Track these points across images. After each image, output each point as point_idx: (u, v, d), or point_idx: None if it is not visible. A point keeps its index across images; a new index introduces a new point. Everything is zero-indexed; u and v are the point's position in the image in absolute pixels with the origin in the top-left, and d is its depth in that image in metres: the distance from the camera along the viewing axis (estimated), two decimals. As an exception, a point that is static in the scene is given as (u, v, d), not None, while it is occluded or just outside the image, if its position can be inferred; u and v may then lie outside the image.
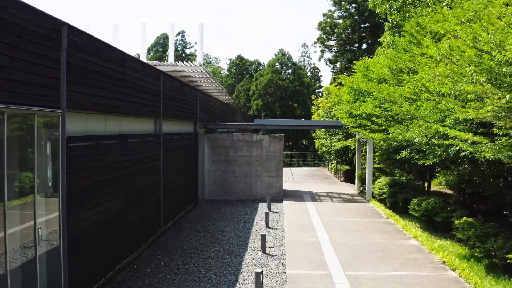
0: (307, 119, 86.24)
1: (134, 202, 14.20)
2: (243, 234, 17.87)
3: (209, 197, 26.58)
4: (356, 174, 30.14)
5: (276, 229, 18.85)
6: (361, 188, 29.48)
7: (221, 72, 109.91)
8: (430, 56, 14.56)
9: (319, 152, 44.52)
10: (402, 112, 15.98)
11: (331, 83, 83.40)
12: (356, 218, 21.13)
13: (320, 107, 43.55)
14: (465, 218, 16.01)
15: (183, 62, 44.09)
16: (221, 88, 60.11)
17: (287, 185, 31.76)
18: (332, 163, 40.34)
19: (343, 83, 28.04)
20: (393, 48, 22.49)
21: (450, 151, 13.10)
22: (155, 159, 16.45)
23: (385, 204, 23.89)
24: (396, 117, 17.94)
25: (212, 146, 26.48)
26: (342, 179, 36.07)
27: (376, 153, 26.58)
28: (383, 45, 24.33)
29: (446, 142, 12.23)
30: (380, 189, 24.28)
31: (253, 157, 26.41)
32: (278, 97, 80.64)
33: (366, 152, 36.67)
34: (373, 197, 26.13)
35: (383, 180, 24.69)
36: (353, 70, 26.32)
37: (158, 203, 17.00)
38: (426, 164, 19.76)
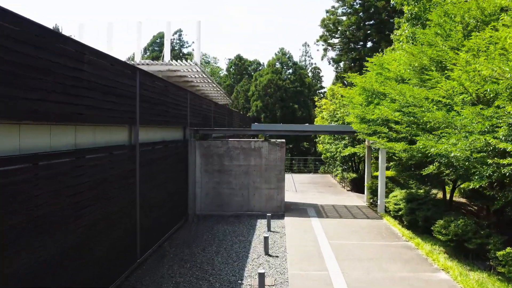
0: (308, 120, 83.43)
1: (97, 233, 11.18)
2: (237, 265, 14.84)
3: (201, 212, 23.58)
4: (365, 184, 27.13)
5: (277, 257, 15.82)
6: (371, 200, 26.49)
7: (220, 72, 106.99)
8: (468, 49, 11.52)
9: (322, 157, 41.51)
10: (436, 118, 12.97)
11: (333, 83, 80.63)
12: (370, 241, 18.12)
13: (324, 109, 40.53)
14: (508, 249, 13.04)
15: (181, 61, 41.25)
16: (218, 89, 57.26)
17: (288, 196, 28.77)
18: (337, 170, 37.33)
19: (353, 83, 25.11)
20: (412, 43, 19.51)
21: (506, 171, 10.07)
22: (128, 176, 13.43)
23: (402, 221, 20.88)
24: (423, 125, 14.93)
25: (204, 154, 23.48)
26: (348, 188, 33.06)
27: (391, 163, 23.53)
28: (400, 39, 21.31)
29: (505, 162, 9.19)
30: (395, 204, 21.26)
31: (250, 167, 23.42)
32: (278, 98, 77.70)
33: (377, 160, 33.67)
34: (386, 211, 23.13)
35: (398, 194, 21.68)
36: (364, 68, 23.37)
37: (133, 229, 13.98)
38: (451, 177, 16.79)
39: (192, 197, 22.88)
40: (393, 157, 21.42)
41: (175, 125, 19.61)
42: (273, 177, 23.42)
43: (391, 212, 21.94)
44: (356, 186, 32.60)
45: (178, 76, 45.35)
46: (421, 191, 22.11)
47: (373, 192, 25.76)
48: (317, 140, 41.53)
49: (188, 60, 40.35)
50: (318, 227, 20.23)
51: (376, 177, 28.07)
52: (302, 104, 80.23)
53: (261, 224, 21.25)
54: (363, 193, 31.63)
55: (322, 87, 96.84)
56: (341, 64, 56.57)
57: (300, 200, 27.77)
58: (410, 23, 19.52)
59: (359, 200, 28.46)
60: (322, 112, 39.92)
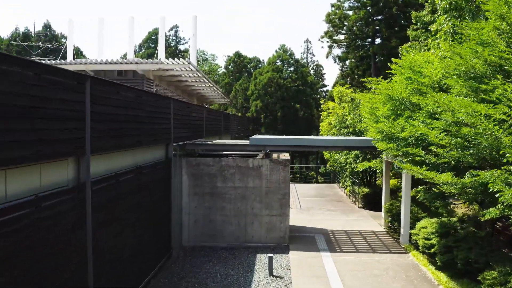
0: (310, 121, 79.47)
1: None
2: None
3: (189, 243, 19.63)
4: (383, 205, 23.15)
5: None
6: (390, 224, 22.55)
7: (218, 69, 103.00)
8: None
9: (328, 165, 37.49)
10: (500, 145, 9.04)
11: (337, 82, 76.60)
12: (401, 294, 14.16)
13: (330, 112, 36.49)
14: None
15: (173, 59, 37.41)
16: (215, 88, 53.27)
17: (293, 215, 24.74)
18: (345, 182, 33.31)
19: (369, 88, 21.18)
20: (452, 40, 15.49)
21: None
22: (71, 230, 9.43)
23: (433, 259, 16.91)
24: (478, 151, 10.96)
25: (193, 174, 19.51)
26: (360, 205, 29.05)
27: (420, 188, 19.52)
28: (437, 35, 17.19)
29: None
30: (426, 239, 17.27)
31: (248, 189, 19.45)
32: (279, 98, 73.64)
33: (395, 178, 29.73)
34: (411, 242, 19.17)
35: (428, 225, 17.71)
36: (388, 71, 19.37)
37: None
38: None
39: (177, 226, 18.93)
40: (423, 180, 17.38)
41: (154, 144, 15.63)
42: (275, 202, 19.45)
43: (419, 247, 17.94)
44: (369, 203, 28.62)
45: (171, 76, 41.43)
46: (454, 219, 18.10)
47: (393, 216, 21.80)
48: (320, 134, 37.44)
49: (181, 58, 36.52)
50: (332, 271, 16.24)
51: (395, 196, 24.10)
52: (304, 103, 76.19)
53: (261, 262, 17.34)
54: (378, 210, 27.75)
55: (324, 85, 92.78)
56: (347, 62, 52.52)
57: (307, 223, 23.78)
58: (450, 15, 15.50)
59: (375, 222, 24.47)
60: (329, 116, 35.88)
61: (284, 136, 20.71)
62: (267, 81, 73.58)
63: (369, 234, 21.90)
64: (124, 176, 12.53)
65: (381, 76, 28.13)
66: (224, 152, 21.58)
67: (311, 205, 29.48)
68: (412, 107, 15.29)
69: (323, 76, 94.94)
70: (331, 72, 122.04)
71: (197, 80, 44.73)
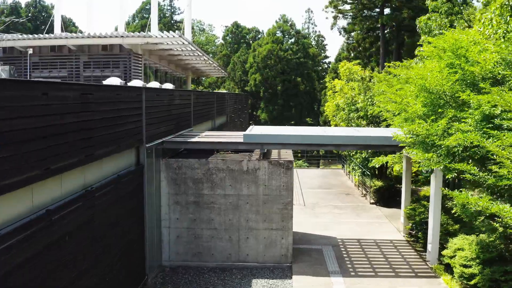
0: (312, 95, 75.39)
1: None
2: None
3: (171, 262, 16.10)
4: (402, 208, 19.53)
5: None
6: (411, 231, 19.06)
7: (216, 41, 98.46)
8: None
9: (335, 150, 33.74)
10: None
11: (339, 54, 72.29)
12: None
13: (336, 91, 32.59)
14: None
15: (162, 32, 33.73)
16: (211, 62, 49.42)
17: (295, 215, 21.10)
18: (355, 171, 29.61)
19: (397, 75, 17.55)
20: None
21: None
22: None
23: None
24: None
25: (174, 179, 15.84)
26: (372, 201, 25.44)
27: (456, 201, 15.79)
28: (490, 7, 13.22)
29: None
30: (464, 266, 13.68)
31: (242, 198, 15.81)
32: (279, 71, 69.56)
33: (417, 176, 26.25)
34: (440, 260, 15.62)
35: (465, 245, 14.14)
36: (418, 51, 15.55)
37: None
38: None
39: (154, 243, 15.36)
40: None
41: (116, 152, 11.92)
42: (275, 213, 15.83)
43: (454, 273, 14.35)
44: (383, 199, 25.03)
45: (162, 50, 37.55)
46: (494, 239, 14.37)
47: (416, 225, 18.24)
48: (332, 121, 33.56)
49: (171, 31, 32.64)
50: (347, 309, 12.71)
51: (415, 196, 20.49)
52: (306, 77, 72.16)
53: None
54: (392, 206, 24.28)
55: (326, 57, 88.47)
56: (353, 34, 48.36)
57: (312, 228, 20.24)
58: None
59: (392, 226, 20.92)
60: (335, 96, 31.99)
61: (286, 131, 16.90)
62: (266, 53, 69.36)
63: (387, 245, 18.35)
64: (61, 211, 8.84)
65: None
66: (211, 158, 17.81)
67: (316, 200, 25.88)
68: (456, 104, 11.51)
69: (325, 48, 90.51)
70: (334, 43, 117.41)
71: (191, 54, 40.88)
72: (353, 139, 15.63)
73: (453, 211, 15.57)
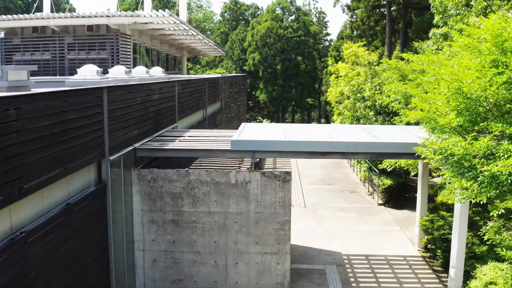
0: (313, 74, 72.23)
1: None
2: None
3: (145, 290, 13.56)
4: (418, 219, 16.90)
5: None
6: (427, 245, 16.52)
7: (213, 17, 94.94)
8: None
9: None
10: None
11: (341, 32, 68.90)
12: None
13: (340, 76, 29.78)
14: None
15: (151, 11, 31.21)
16: (207, 41, 46.39)
17: (294, 219, 18.38)
18: (361, 165, 26.95)
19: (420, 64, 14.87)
20: None
21: None
22: None
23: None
24: None
25: (148, 194, 13.19)
26: (381, 202, 22.81)
27: (489, 226, 13.20)
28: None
29: None
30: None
31: (230, 216, 13.18)
32: (278, 49, 66.44)
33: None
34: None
35: (499, 279, 11.57)
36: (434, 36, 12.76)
37: None
38: None
39: (125, 269, 12.79)
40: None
41: (63, 176, 9.25)
42: (270, 234, 13.21)
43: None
44: (393, 199, 22.45)
45: (152, 29, 34.60)
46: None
47: (434, 240, 15.66)
48: (336, 109, 30.74)
49: (161, 10, 29.84)
50: None
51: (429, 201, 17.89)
52: (307, 55, 69.07)
53: None
54: (403, 208, 21.77)
55: (327, 34, 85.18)
56: (357, 12, 45.18)
57: (314, 238, 17.73)
58: None
59: (404, 236, 18.38)
60: (339, 82, 29.17)
61: (283, 134, 14.13)
62: (265, 31, 66.18)
63: (400, 263, 15.81)
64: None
65: (415, 41, 21.50)
66: (193, 168, 14.98)
67: (318, 199, 23.27)
68: (500, 114, 8.80)
69: (327, 25, 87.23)
70: (336, 19, 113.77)
71: (184, 33, 38.08)
72: (364, 146, 12.85)
73: (484, 235, 12.95)
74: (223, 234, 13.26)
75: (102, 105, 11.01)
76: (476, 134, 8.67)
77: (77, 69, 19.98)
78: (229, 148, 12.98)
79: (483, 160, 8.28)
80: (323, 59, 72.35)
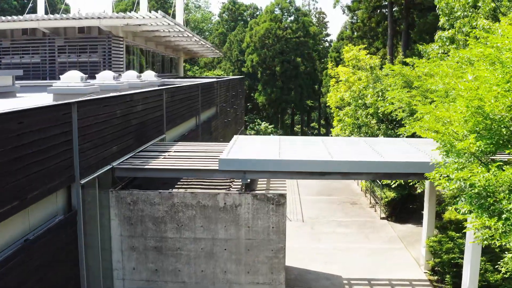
0: (314, 75, 70.84)
1: None
2: None
3: (125, 324, 12.25)
4: (425, 241, 15.56)
5: None
6: (432, 266, 15.21)
7: (212, 18, 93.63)
8: None
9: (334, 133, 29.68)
10: None
11: (341, 33, 67.49)
12: None
13: (341, 80, 28.49)
14: None
15: (144, 13, 30.14)
16: (203, 42, 45.13)
17: (291, 234, 17.20)
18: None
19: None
20: None
21: None
22: None
23: None
24: None
25: (128, 219, 11.90)
26: (383, 215, 21.51)
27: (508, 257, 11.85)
28: None
29: None
30: None
31: (218, 242, 11.89)
32: (277, 51, 65.12)
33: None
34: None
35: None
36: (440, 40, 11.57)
37: None
38: None
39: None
40: None
41: (21, 208, 7.97)
42: (262, 262, 11.91)
43: None
44: (396, 213, 21.17)
45: (147, 31, 33.46)
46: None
47: (443, 265, 14.35)
48: (336, 115, 29.44)
49: (153, 11, 28.62)
50: None
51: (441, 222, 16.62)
52: (306, 57, 67.80)
53: None
54: (407, 221, 20.50)
55: (328, 35, 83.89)
56: (358, 13, 43.85)
57: (312, 258, 16.41)
58: None
59: (409, 255, 17.09)
60: (339, 87, 27.89)
61: (277, 150, 12.79)
62: (264, 32, 64.87)
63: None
64: None
65: (419, 44, 20.25)
66: (176, 189, 13.61)
67: (317, 212, 21.99)
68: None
69: (327, 25, 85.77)
70: (336, 20, 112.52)
71: (180, 35, 36.89)
72: (367, 166, 11.53)
73: (501, 267, 11.64)
74: (210, 262, 11.97)
75: (71, 123, 9.72)
76: (501, 163, 7.36)
77: (60, 76, 18.70)
78: (217, 168, 11.66)
79: (510, 195, 6.98)
80: (323, 60, 71.10)
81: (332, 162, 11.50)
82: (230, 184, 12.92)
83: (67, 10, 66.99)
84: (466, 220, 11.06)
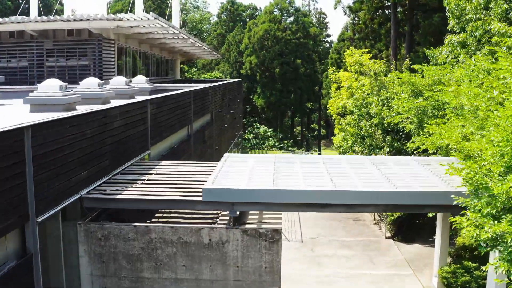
0: (314, 78, 69.09)
1: None
2: None
3: None
4: (438, 270, 13.92)
5: None
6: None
7: (210, 19, 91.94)
8: None
9: (337, 141, 27.97)
10: None
11: (342, 34, 65.88)
12: None
13: (343, 86, 26.87)
14: None
15: (133, 14, 28.74)
16: (200, 44, 43.51)
17: (287, 257, 15.61)
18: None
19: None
20: None
21: None
22: None
23: None
24: None
25: (99, 256, 10.28)
26: (389, 234, 19.91)
27: None
28: None
29: None
30: None
31: (202, 284, 10.28)
32: (277, 52, 63.46)
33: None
34: None
35: None
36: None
37: None
38: None
39: None
40: None
41: None
42: (253, 307, 10.29)
43: None
44: (401, 231, 19.58)
45: (140, 33, 31.91)
46: None
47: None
48: (337, 125, 27.84)
49: (145, 13, 27.11)
50: None
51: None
52: (306, 58, 66.16)
53: None
54: (414, 241, 18.94)
55: (328, 36, 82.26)
56: (361, 14, 42.14)
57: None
58: None
59: (419, 284, 15.45)
60: (341, 93, 26.25)
61: (269, 179, 11.07)
62: (263, 33, 63.23)
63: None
64: None
65: (427, 48, 18.68)
66: (154, 223, 11.91)
67: (317, 229, 20.40)
68: None
69: (327, 26, 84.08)
70: (336, 20, 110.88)
71: (175, 37, 35.35)
72: (377, 197, 9.88)
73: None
74: (194, 306, 10.34)
75: (22, 152, 8.11)
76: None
77: (38, 84, 17.04)
78: (201, 199, 10.02)
79: None
80: (323, 61, 69.55)
81: (335, 192, 9.85)
82: (218, 214, 11.27)
83: (62, 11, 65.38)
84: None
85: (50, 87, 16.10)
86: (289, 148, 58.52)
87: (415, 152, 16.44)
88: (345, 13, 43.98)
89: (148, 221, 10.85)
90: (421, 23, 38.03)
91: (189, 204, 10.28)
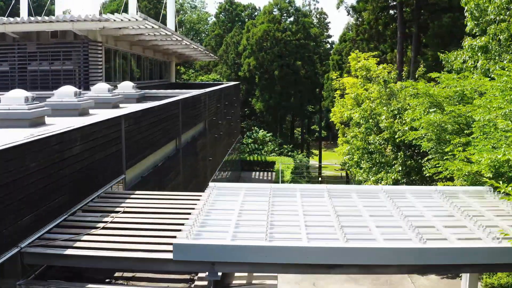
0: (314, 79, 66.85)
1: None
2: None
3: None
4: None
5: None
6: None
7: (208, 19, 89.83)
8: None
9: (342, 154, 25.72)
10: None
11: (344, 34, 63.74)
12: None
13: (347, 93, 24.61)
14: None
15: (121, 14, 26.77)
16: (195, 46, 41.35)
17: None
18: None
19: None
20: None
21: None
22: None
23: None
24: None
25: (42, 326, 7.97)
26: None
27: None
28: None
29: None
30: None
31: None
32: (276, 54, 61.31)
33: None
34: None
35: None
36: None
37: None
38: None
39: None
40: None
41: None
42: None
43: None
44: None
45: (130, 35, 29.76)
46: None
47: None
48: (342, 136, 25.66)
49: (133, 13, 25.03)
50: None
51: None
52: (307, 60, 64.00)
53: None
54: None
55: (329, 36, 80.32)
56: (364, 14, 39.98)
57: None
58: None
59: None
60: (345, 101, 23.95)
61: (261, 229, 8.63)
62: (261, 34, 61.06)
63: None
64: None
65: (441, 53, 16.49)
66: (120, 266, 9.52)
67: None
68: None
69: (328, 26, 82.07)
70: (338, 20, 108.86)
71: (168, 39, 33.29)
72: (402, 255, 7.58)
73: None
74: None
75: None
76: None
77: (0, 96, 14.81)
78: (172, 257, 7.70)
79: None
80: (324, 63, 67.51)
81: (346, 250, 7.53)
82: (194, 274, 8.93)
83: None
84: None
85: (15, 99, 13.97)
86: (289, 153, 56.39)
87: (433, 175, 14.24)
88: (348, 13, 41.95)
89: (108, 279, 8.56)
90: (429, 24, 35.85)
91: (157, 264, 7.95)
